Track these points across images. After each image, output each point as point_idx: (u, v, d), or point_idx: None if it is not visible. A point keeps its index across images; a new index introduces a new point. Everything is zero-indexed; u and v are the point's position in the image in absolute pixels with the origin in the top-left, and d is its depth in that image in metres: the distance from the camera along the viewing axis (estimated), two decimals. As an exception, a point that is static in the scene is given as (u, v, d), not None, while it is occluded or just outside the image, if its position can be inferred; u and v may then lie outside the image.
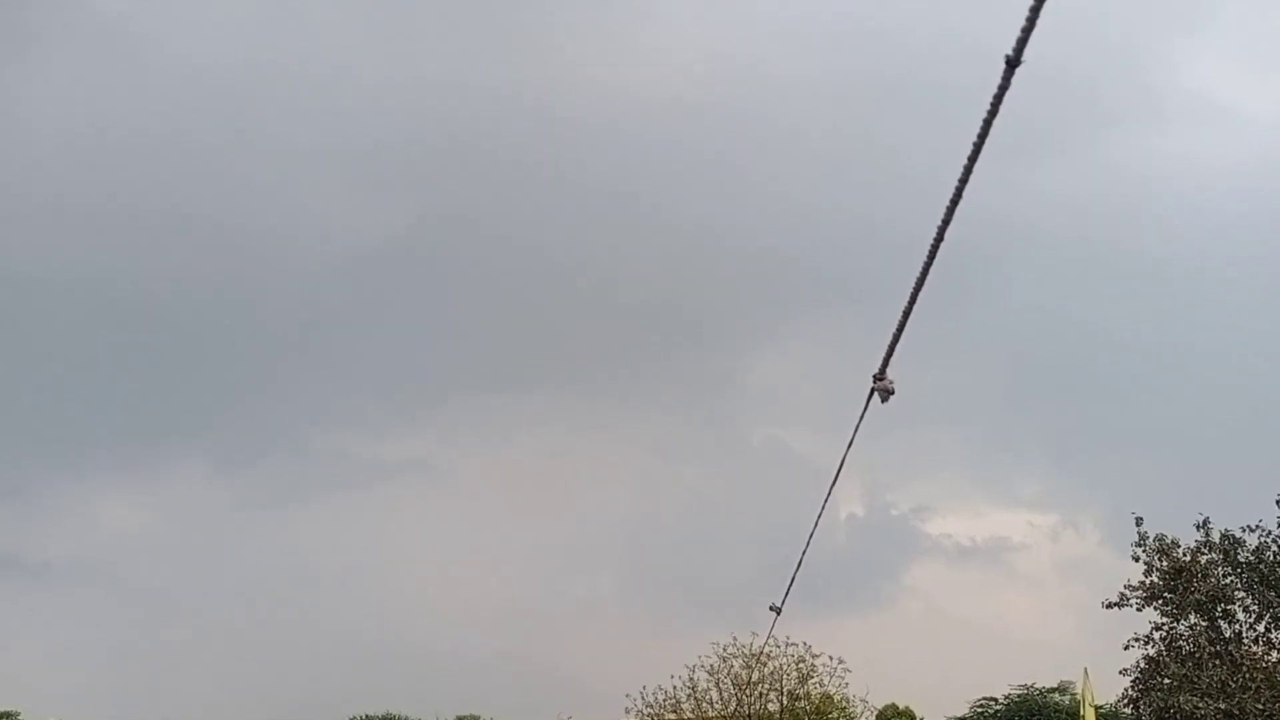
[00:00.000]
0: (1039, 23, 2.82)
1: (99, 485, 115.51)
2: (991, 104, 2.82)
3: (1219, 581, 30.41)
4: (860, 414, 4.58)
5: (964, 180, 3.05)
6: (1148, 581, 31.00)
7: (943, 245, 3.71)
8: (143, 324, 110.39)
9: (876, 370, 4.22)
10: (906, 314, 3.83)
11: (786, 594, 10.77)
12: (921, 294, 4.11)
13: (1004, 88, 2.80)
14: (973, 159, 2.94)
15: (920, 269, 3.58)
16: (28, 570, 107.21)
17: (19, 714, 41.97)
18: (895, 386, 4.21)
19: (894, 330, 3.93)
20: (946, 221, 3.21)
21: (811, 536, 8.03)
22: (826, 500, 6.96)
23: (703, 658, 38.73)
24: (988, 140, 2.89)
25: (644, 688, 39.86)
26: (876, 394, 4.29)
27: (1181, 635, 30.89)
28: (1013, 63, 2.74)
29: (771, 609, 12.14)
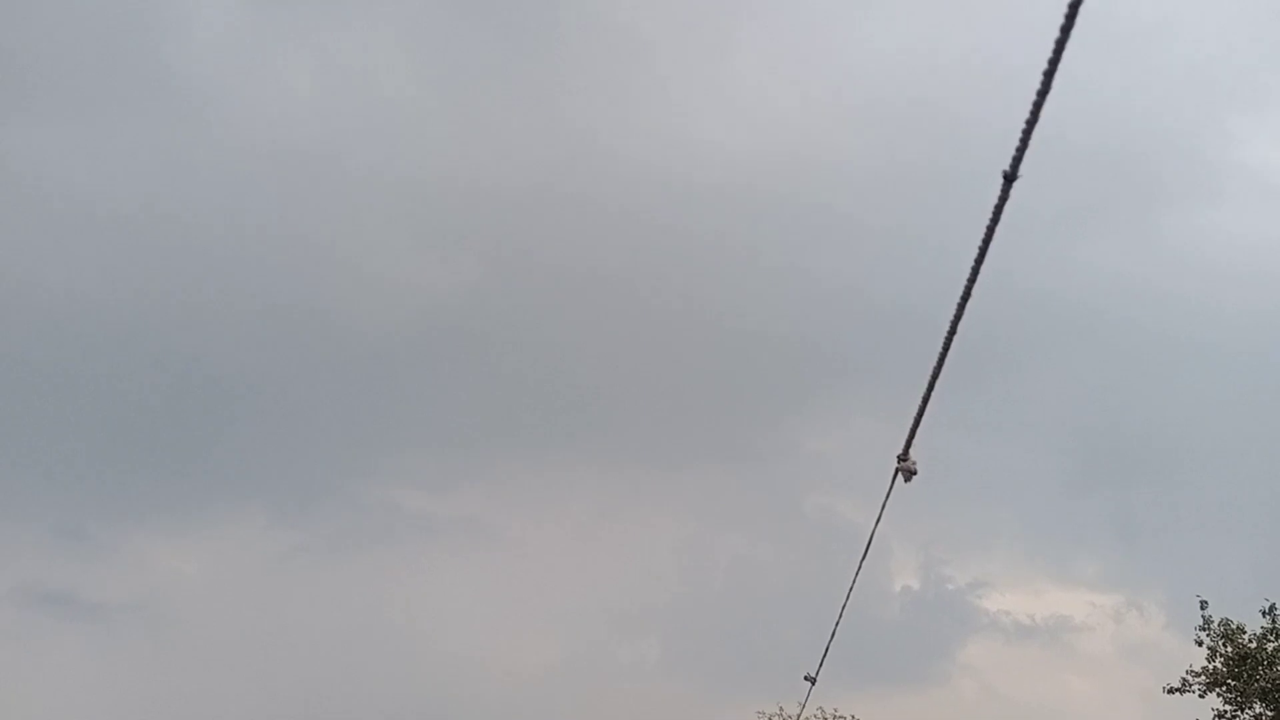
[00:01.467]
0: (1092, 109, 3.02)
1: (156, 531, 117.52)
2: (992, 217, 3.03)
3: (1286, 670, 29.54)
4: (885, 494, 4.75)
5: (972, 280, 3.26)
6: (1211, 667, 30.19)
7: (998, 324, 3.91)
8: (205, 378, 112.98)
9: (900, 451, 4.41)
10: (926, 398, 4.02)
11: (821, 664, 10.79)
12: (974, 371, 4.30)
13: (1003, 200, 3.01)
14: (977, 267, 3.14)
15: (938, 357, 3.77)
16: (81, 610, 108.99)
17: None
18: (918, 467, 4.38)
19: (915, 413, 4.12)
20: (958, 318, 3.42)
21: (845, 606, 8.12)
22: (858, 573, 7.08)
23: (750, 727, 38.28)
24: (990, 249, 3.09)
25: (690, 756, 39.41)
26: (900, 474, 4.47)
27: (1245, 724, 30.00)
28: (1010, 177, 2.95)
29: (806, 679, 12.13)
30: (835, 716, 37.40)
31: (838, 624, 8.69)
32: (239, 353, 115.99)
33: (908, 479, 4.46)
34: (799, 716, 35.18)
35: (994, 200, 3.22)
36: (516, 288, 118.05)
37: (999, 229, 3.71)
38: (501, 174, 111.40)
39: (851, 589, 7.53)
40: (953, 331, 3.55)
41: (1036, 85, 2.70)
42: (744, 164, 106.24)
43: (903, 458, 4.44)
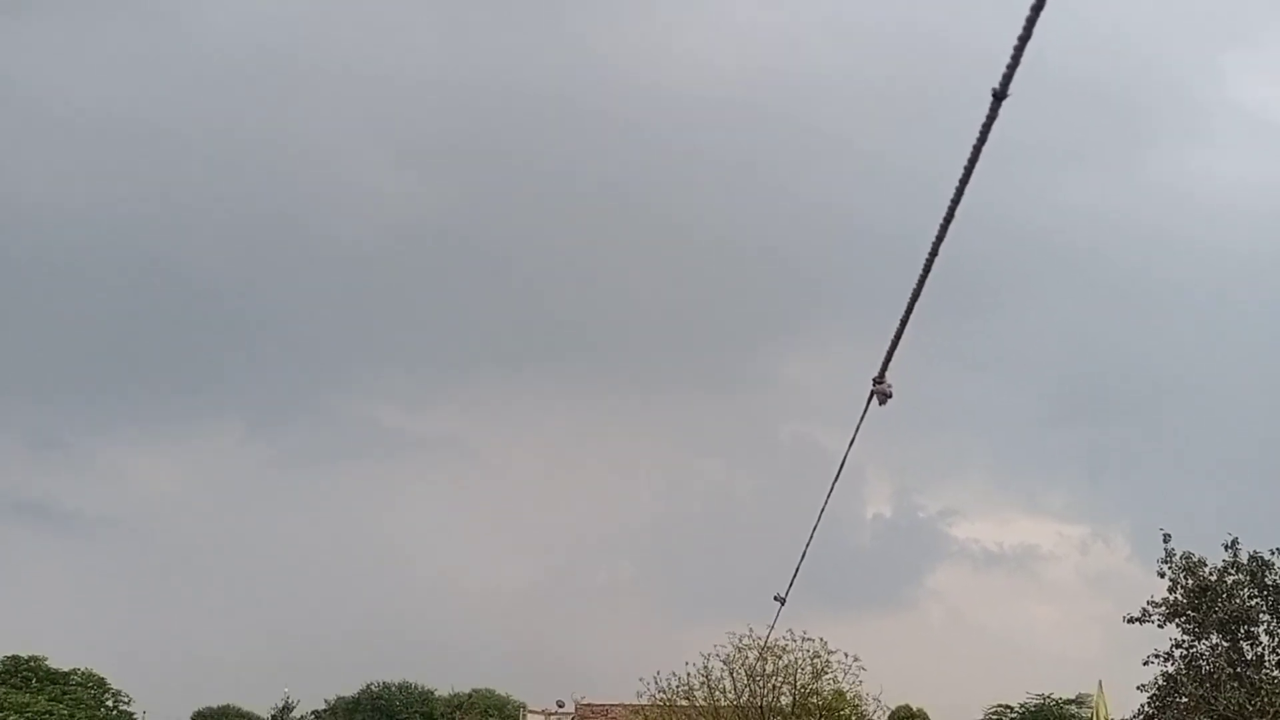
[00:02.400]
0: (1084, 42, 2.97)
1: (132, 441, 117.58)
2: (979, 135, 2.98)
3: (1244, 603, 30.20)
4: (860, 415, 4.76)
5: (955, 201, 3.22)
6: (1171, 598, 30.85)
7: (981, 258, 3.89)
8: (183, 288, 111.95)
9: (876, 374, 4.40)
10: (904, 321, 4.01)
11: (790, 585, 10.96)
12: (955, 302, 4.29)
13: (990, 119, 2.96)
14: (961, 188, 3.10)
15: (916, 281, 3.75)
16: (57, 519, 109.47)
17: (45, 659, 42.96)
18: (893, 390, 4.38)
19: (893, 336, 4.11)
20: (939, 239, 3.39)
21: (815, 529, 8.22)
22: (829, 496, 7.14)
23: (718, 647, 38.91)
24: (977, 167, 3.05)
25: (658, 673, 40.15)
26: (875, 397, 4.47)
27: (1202, 655, 30.71)
28: (999, 96, 2.91)
29: (776, 599, 12.32)
30: (804, 638, 38.01)
31: (807, 546, 8.81)
32: (217, 265, 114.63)
33: (883, 402, 4.47)
34: (767, 637, 35.75)
35: (981, 122, 3.17)
36: (497, 205, 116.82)
37: (987, 152, 3.67)
38: (487, 83, 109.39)
39: (822, 513, 7.61)
40: (933, 254, 3.53)
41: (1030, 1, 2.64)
42: (734, 80, 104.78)
43: (878, 380, 4.45)
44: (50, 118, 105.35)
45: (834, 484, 6.80)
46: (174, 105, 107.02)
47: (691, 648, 42.84)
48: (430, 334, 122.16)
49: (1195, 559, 30.91)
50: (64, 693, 41.40)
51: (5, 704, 35.34)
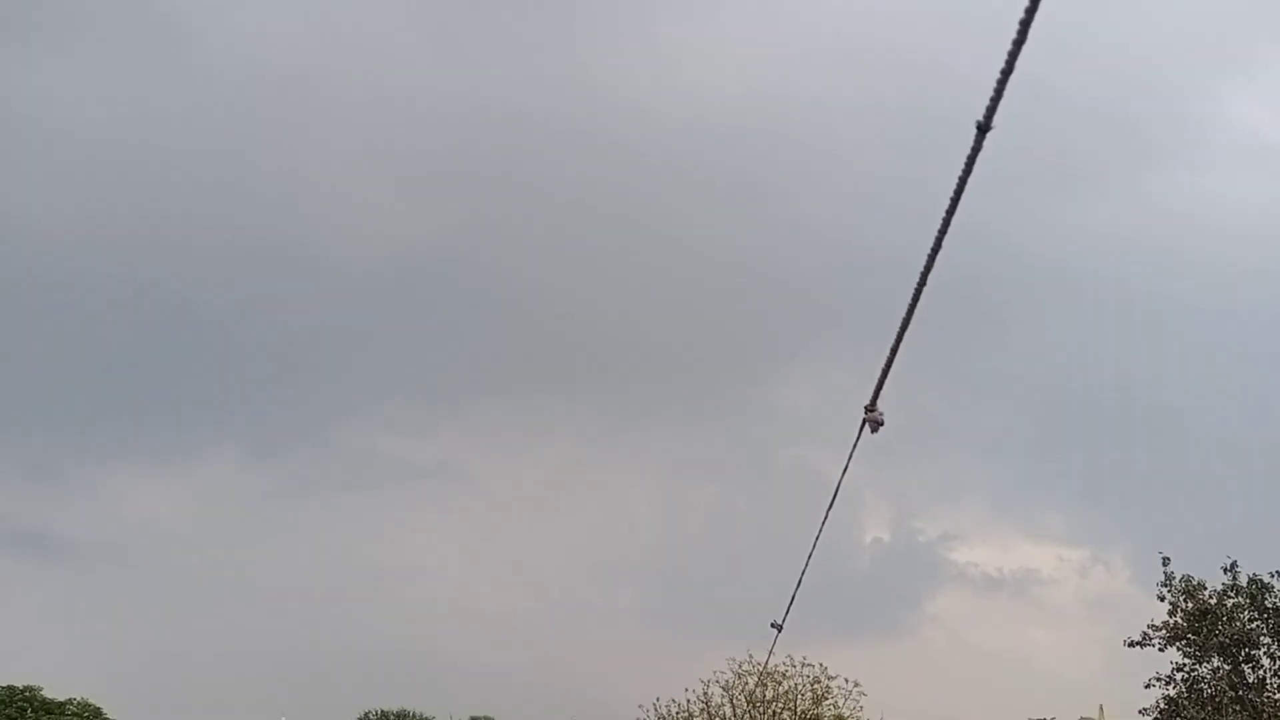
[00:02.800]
0: (1083, 65, 2.99)
1: (128, 470, 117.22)
2: (965, 167, 3.01)
3: (1244, 626, 30.09)
4: (853, 445, 4.77)
5: (942, 231, 3.24)
6: (1171, 622, 30.75)
7: (978, 279, 3.91)
8: (180, 316, 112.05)
9: (868, 402, 4.42)
10: (894, 350, 4.02)
11: (787, 612, 10.92)
12: (953, 325, 4.30)
13: (976, 151, 2.98)
14: (948, 219, 3.12)
15: (906, 309, 3.77)
16: (52, 549, 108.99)
17: (41, 689, 42.73)
18: (885, 418, 4.40)
19: (884, 364, 4.13)
20: (927, 269, 3.40)
21: (811, 556, 8.20)
22: (824, 522, 7.13)
23: (718, 673, 38.79)
24: (961, 201, 3.07)
25: (656, 700, 39.97)
26: (867, 425, 4.48)
27: (1203, 678, 30.57)
28: (983, 128, 2.93)
29: (773, 625, 12.27)
30: (804, 664, 37.91)
31: (804, 573, 8.79)
32: (216, 292, 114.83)
33: (875, 429, 4.48)
34: (765, 664, 35.62)
35: (972, 151, 3.20)
36: (496, 232, 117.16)
37: (976, 180, 3.70)
38: (487, 110, 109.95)
39: (818, 538, 7.60)
40: (922, 284, 3.54)
41: (1013, 35, 2.67)
42: (727, 104, 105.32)
43: (870, 408, 4.45)
44: (49, 142, 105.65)
45: (829, 510, 6.80)
46: (174, 131, 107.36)
47: (691, 674, 42.67)
48: (429, 361, 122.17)
49: (1195, 582, 30.83)
50: (59, 722, 41.19)
51: (0, 734, 35.09)
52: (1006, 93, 3.27)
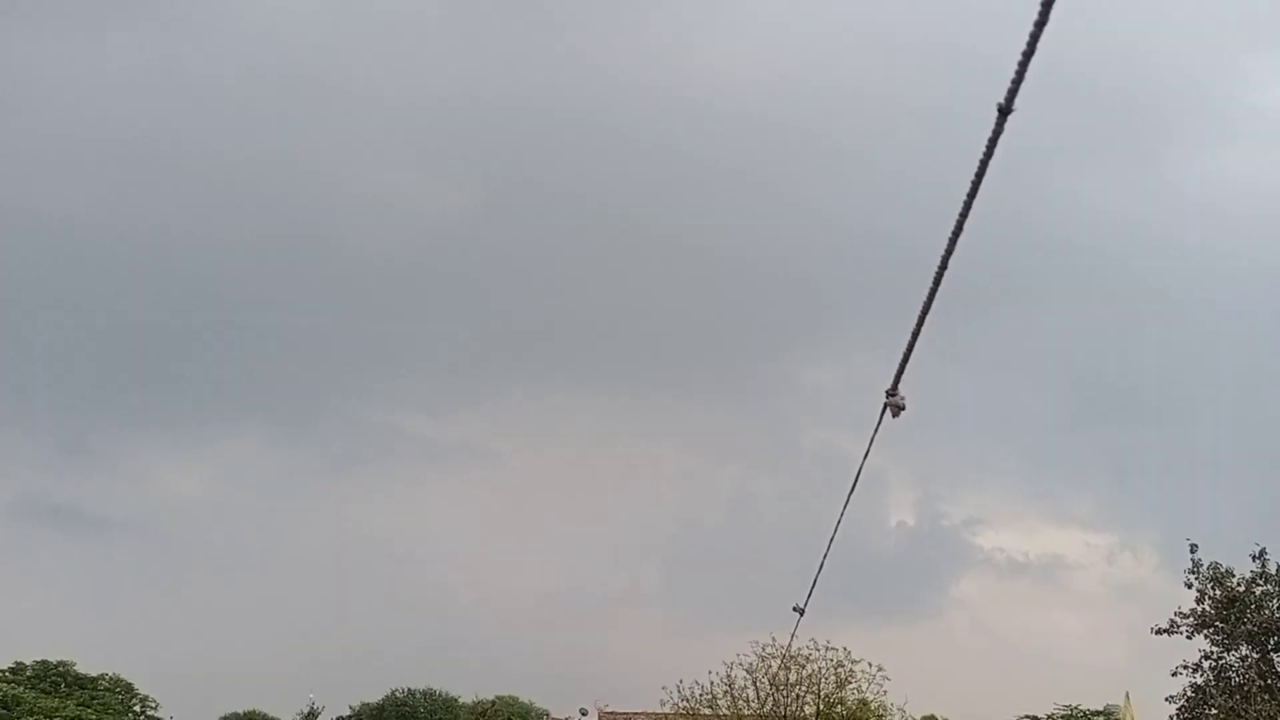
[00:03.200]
0: (1105, 48, 2.98)
1: (159, 447, 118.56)
2: (986, 149, 2.99)
3: (1273, 614, 29.83)
4: (874, 429, 4.76)
5: (963, 215, 3.23)
6: (1199, 609, 30.53)
7: (1005, 262, 3.89)
8: (209, 296, 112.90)
9: (889, 386, 4.41)
10: (915, 334, 4.01)
11: (809, 596, 10.93)
12: (979, 307, 4.29)
13: (997, 134, 2.97)
14: (969, 202, 3.11)
15: (927, 293, 3.76)
16: (88, 523, 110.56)
17: (74, 663, 43.33)
18: (906, 402, 4.39)
19: (905, 348, 4.11)
20: (949, 253, 3.39)
21: (832, 540, 8.20)
22: (845, 507, 7.13)
23: (741, 656, 38.82)
24: (984, 183, 3.06)
25: (680, 681, 40.11)
26: (888, 409, 4.47)
27: (1231, 666, 30.35)
28: (1004, 110, 2.91)
29: (795, 610, 12.28)
30: (828, 648, 37.87)
31: (825, 557, 8.79)
32: (241, 272, 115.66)
33: (896, 414, 4.46)
34: (787, 649, 35.63)
35: (993, 134, 3.17)
36: (519, 212, 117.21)
37: (998, 164, 3.68)
38: (505, 97, 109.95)
39: (839, 522, 7.60)
40: (943, 268, 3.53)
41: (1034, 17, 2.65)
42: (750, 93, 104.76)
43: (891, 392, 4.44)
44: (82, 134, 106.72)
45: (850, 494, 6.80)
46: (202, 123, 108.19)
47: (715, 656, 42.79)
48: (452, 341, 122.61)
49: (1223, 569, 30.59)
50: (93, 697, 41.69)
51: (35, 708, 35.67)
52: (1030, 76, 3.26)
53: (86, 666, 45.08)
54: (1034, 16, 2.64)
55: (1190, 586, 30.84)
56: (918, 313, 3.81)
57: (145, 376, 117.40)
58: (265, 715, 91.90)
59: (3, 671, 42.63)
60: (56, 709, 36.44)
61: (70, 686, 42.28)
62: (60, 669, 43.37)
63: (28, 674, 41.99)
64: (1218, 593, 30.34)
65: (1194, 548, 31.08)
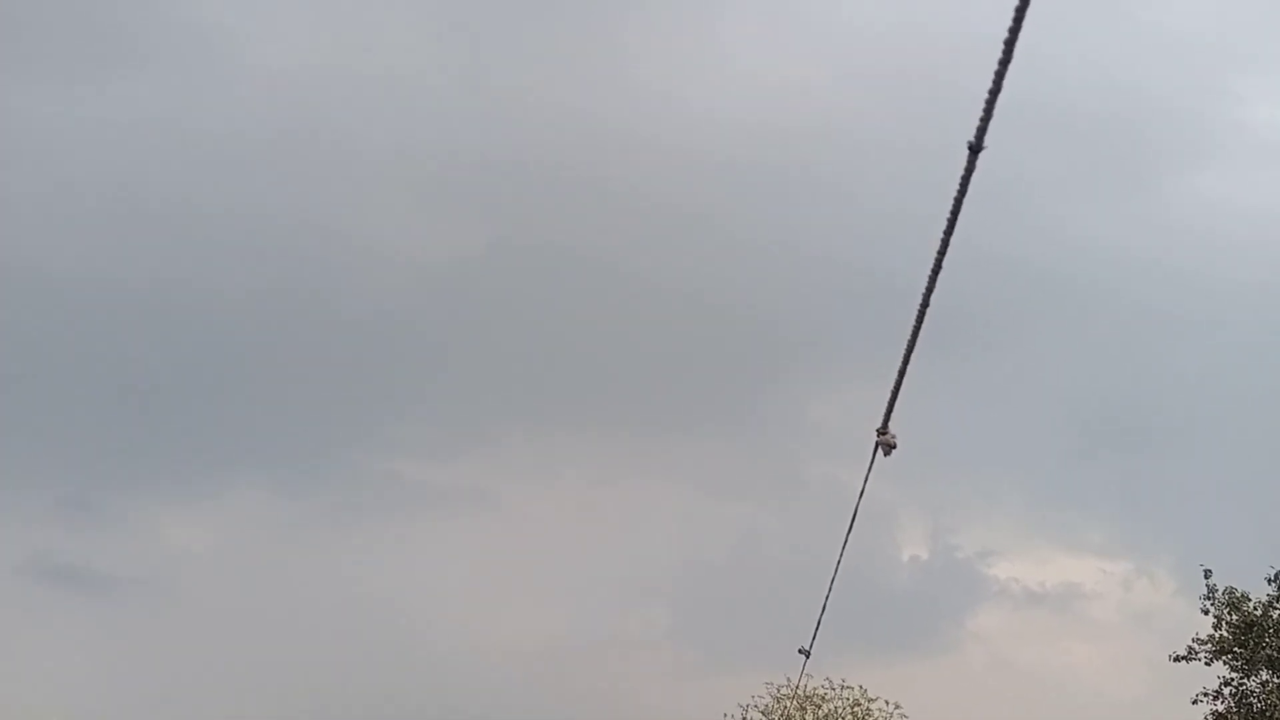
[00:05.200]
0: (1092, 70, 2.98)
1: (163, 504, 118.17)
2: (960, 188, 2.99)
3: (1291, 638, 29.56)
4: (868, 468, 4.74)
5: (942, 252, 3.23)
6: (1217, 635, 30.25)
7: (1007, 291, 3.88)
8: (208, 349, 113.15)
9: (879, 425, 4.39)
10: (901, 374, 4.00)
11: (814, 637, 10.83)
12: (981, 337, 4.27)
13: (969, 172, 2.97)
14: (946, 239, 3.11)
15: (912, 328, 3.75)
16: (94, 584, 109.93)
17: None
18: (898, 440, 4.37)
19: (892, 387, 4.10)
20: (929, 291, 3.38)
21: (834, 580, 8.15)
22: (844, 545, 7.08)
23: (756, 697, 38.41)
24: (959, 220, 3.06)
25: (696, 726, 39.63)
26: (880, 448, 4.45)
27: (1252, 692, 30.01)
28: (974, 149, 2.91)
29: (800, 651, 12.16)
30: (844, 687, 37.44)
31: (828, 597, 8.72)
32: (241, 323, 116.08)
33: (887, 453, 4.44)
34: (797, 688, 35.26)
35: (974, 171, 3.18)
36: (516, 259, 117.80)
37: (990, 197, 3.66)
38: (501, 145, 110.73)
39: (839, 563, 7.55)
40: (925, 305, 3.52)
41: (999, 55, 2.66)
42: (738, 136, 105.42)
43: (882, 431, 4.42)
44: (80, 189, 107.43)
45: (848, 534, 6.76)
46: (200, 176, 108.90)
47: (728, 698, 42.33)
48: (452, 387, 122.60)
49: (1239, 594, 30.31)
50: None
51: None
52: (1014, 106, 3.26)
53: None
54: (998, 54, 2.66)
55: (1207, 613, 30.59)
56: (903, 351, 3.81)
57: (145, 430, 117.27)
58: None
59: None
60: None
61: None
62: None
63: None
64: (1234, 617, 30.06)
65: (1208, 573, 30.84)
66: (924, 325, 3.61)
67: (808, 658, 12.15)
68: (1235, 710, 29.84)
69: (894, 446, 4.36)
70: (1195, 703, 30.63)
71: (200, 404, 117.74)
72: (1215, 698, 30.34)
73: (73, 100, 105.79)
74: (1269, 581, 30.25)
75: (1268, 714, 28.94)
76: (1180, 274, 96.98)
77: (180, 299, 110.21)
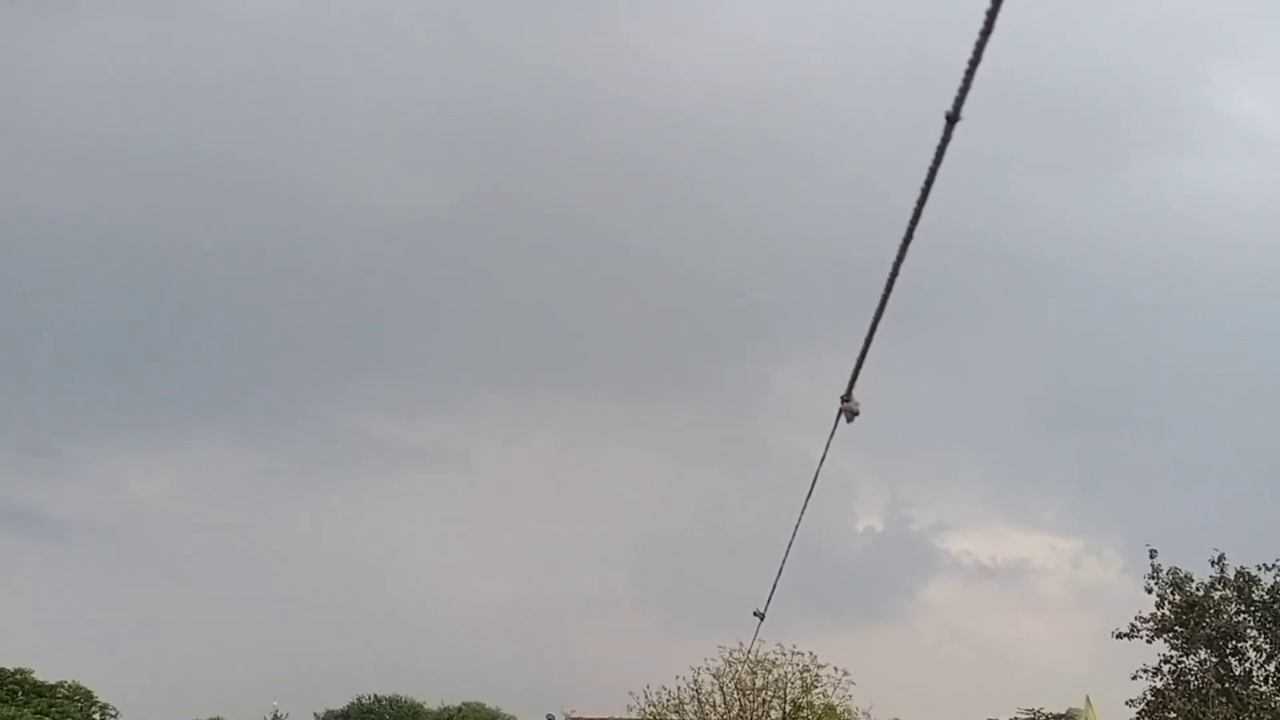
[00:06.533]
0: (1068, 56, 3.00)
1: (122, 450, 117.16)
2: (935, 157, 3.01)
3: (1231, 618, 30.21)
4: (829, 435, 4.78)
5: (914, 222, 3.25)
6: (1159, 614, 30.85)
7: (972, 270, 3.92)
8: (175, 297, 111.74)
9: (844, 392, 4.43)
10: (868, 341, 4.04)
11: (769, 600, 10.97)
12: (944, 315, 4.31)
13: (945, 141, 2.99)
14: (918, 209, 3.13)
15: (880, 297, 3.78)
16: (47, 528, 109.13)
17: (32, 671, 42.58)
18: (860, 408, 4.42)
19: (858, 355, 4.14)
20: (899, 260, 3.41)
21: (790, 545, 8.24)
22: (803, 511, 7.17)
23: (708, 660, 38.85)
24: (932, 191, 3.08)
25: (648, 686, 40.06)
26: (843, 415, 4.50)
27: (1190, 670, 30.70)
28: (952, 119, 2.93)
29: (755, 614, 12.33)
30: (794, 652, 37.98)
31: (783, 563, 8.83)
32: (211, 272, 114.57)
33: (850, 419, 4.49)
34: (748, 654, 35.71)
35: (950, 142, 3.20)
36: (490, 217, 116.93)
37: (966, 175, 3.69)
38: (479, 102, 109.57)
39: (797, 529, 7.63)
40: (894, 274, 3.55)
41: (981, 25, 2.67)
42: (718, 101, 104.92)
43: (846, 398, 4.47)
44: (51, 132, 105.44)
45: (807, 500, 6.83)
46: (174, 123, 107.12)
47: (684, 660, 42.80)
48: (421, 343, 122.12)
49: (1182, 574, 30.93)
50: (50, 705, 41.00)
51: (-10, 717, 35.11)
52: (991, 86, 3.28)
53: (45, 674, 44.27)
54: (980, 25, 2.67)
55: (1150, 591, 31.18)
56: (869, 321, 3.84)
57: (110, 377, 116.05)
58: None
59: (-42, 679, 41.92)
60: (13, 717, 35.84)
61: (28, 695, 41.55)
62: (17, 677, 42.65)
63: (-16, 682, 41.27)
64: (1177, 598, 30.69)
65: (1154, 553, 31.43)
66: (891, 298, 3.64)
67: (761, 620, 12.33)
68: (1173, 687, 30.53)
69: (857, 413, 4.42)
70: (1135, 678, 31.35)
71: (166, 352, 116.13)
72: (1155, 674, 31.03)
73: (43, 40, 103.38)
74: (1212, 564, 30.89)
75: (1204, 691, 29.63)
76: (1147, 259, 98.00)
77: (149, 245, 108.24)
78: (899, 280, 3.94)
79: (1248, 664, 30.29)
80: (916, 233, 3.75)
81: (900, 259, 3.38)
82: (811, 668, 38.19)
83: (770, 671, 38.12)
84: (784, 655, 37.97)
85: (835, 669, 38.39)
